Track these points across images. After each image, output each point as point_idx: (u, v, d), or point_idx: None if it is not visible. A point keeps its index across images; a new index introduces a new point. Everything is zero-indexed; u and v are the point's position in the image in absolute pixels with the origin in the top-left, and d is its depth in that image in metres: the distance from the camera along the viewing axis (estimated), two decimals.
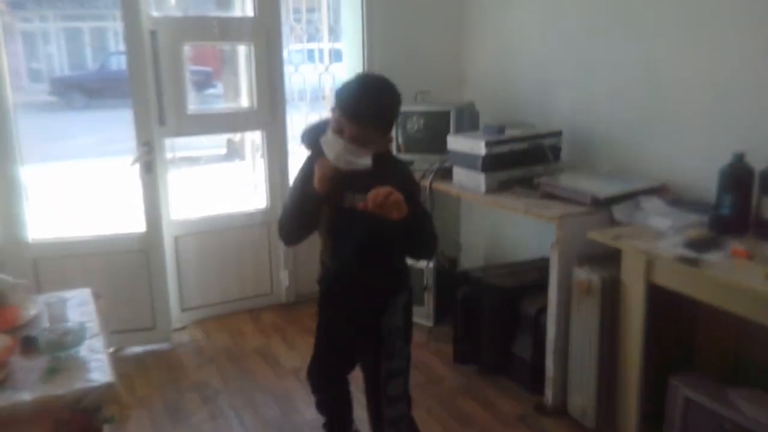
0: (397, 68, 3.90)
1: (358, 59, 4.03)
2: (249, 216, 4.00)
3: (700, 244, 2.34)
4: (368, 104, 1.82)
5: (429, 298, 3.71)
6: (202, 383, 3.24)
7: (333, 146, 1.82)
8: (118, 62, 11.42)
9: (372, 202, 1.72)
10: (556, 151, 3.21)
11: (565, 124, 3.36)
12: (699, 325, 2.72)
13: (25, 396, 1.71)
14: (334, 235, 2.06)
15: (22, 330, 2.05)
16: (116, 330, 3.24)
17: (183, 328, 3.81)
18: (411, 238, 1.88)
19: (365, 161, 1.84)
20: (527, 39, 3.66)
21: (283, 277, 4.09)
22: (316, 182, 1.86)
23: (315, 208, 1.93)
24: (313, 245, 4.12)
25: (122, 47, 3.38)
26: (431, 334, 3.64)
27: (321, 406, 2.44)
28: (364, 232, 1.94)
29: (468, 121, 3.58)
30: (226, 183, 5.59)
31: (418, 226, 1.87)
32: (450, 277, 3.61)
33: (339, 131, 1.82)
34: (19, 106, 3.43)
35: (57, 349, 1.88)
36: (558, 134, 3.24)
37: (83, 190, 6.98)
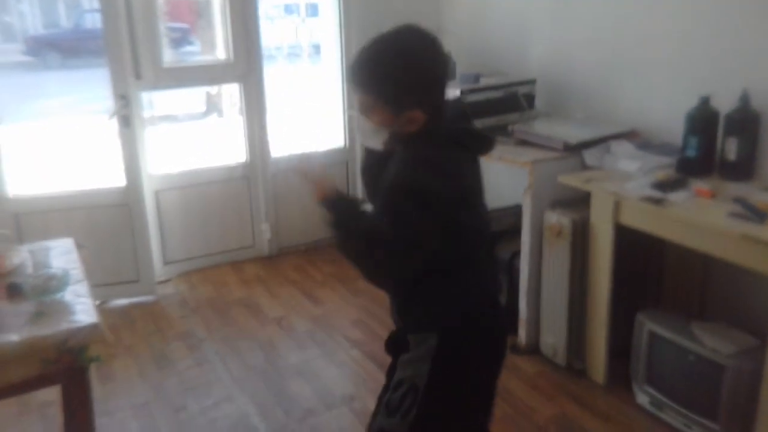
0: (374, 20, 3.90)
1: (335, 12, 4.02)
2: (229, 170, 4.03)
3: (666, 185, 2.42)
4: (356, 59, 1.52)
5: None
6: (188, 332, 3.32)
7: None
8: (93, 20, 11.18)
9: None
10: (530, 99, 3.26)
11: (540, 73, 3.40)
12: (666, 263, 2.82)
13: (13, 337, 1.76)
14: None
15: (6, 277, 2.08)
16: (101, 283, 3.30)
17: (167, 280, 3.87)
18: (340, 240, 1.46)
19: (375, 141, 1.55)
20: None
21: (265, 229, 4.14)
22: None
23: None
24: (295, 198, 4.16)
25: (96, 4, 3.34)
26: None
27: None
28: None
29: None
30: (205, 138, 5.58)
31: (348, 227, 1.45)
32: None
33: None
34: None
35: (42, 294, 1.93)
36: (532, 82, 3.28)
37: (62, 147, 6.92)
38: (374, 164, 1.65)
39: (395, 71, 1.47)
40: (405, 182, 1.42)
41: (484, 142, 1.61)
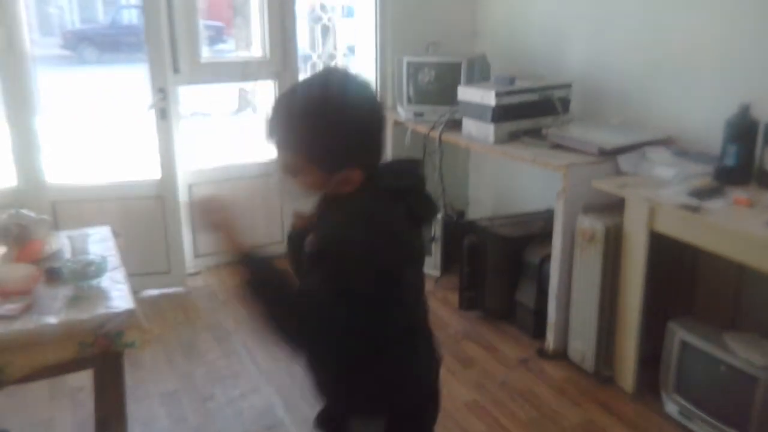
0: (410, 20, 3.95)
1: (371, 11, 4.04)
2: (262, 166, 4.06)
3: (702, 193, 2.39)
4: (277, 112, 1.33)
5: (436, 249, 3.79)
6: (216, 324, 3.35)
7: None
8: (129, 16, 11.38)
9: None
10: (565, 102, 3.23)
11: (576, 76, 3.37)
12: (699, 271, 2.78)
13: (51, 320, 1.80)
14: None
15: (45, 262, 2.13)
16: (132, 273, 3.32)
17: (197, 273, 3.91)
18: (258, 301, 1.28)
19: (303, 204, 1.44)
20: None
21: None
22: None
23: None
24: None
25: (134, 0, 3.42)
26: (438, 283, 3.73)
27: None
28: None
29: (479, 72, 3.60)
30: (238, 135, 5.65)
31: (268, 290, 1.28)
32: (457, 228, 3.68)
33: None
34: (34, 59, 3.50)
35: (80, 279, 1.97)
36: (568, 86, 3.26)
37: (99, 140, 7.06)
38: (296, 238, 1.49)
39: (327, 126, 1.25)
40: (340, 240, 1.25)
41: (429, 207, 1.43)
